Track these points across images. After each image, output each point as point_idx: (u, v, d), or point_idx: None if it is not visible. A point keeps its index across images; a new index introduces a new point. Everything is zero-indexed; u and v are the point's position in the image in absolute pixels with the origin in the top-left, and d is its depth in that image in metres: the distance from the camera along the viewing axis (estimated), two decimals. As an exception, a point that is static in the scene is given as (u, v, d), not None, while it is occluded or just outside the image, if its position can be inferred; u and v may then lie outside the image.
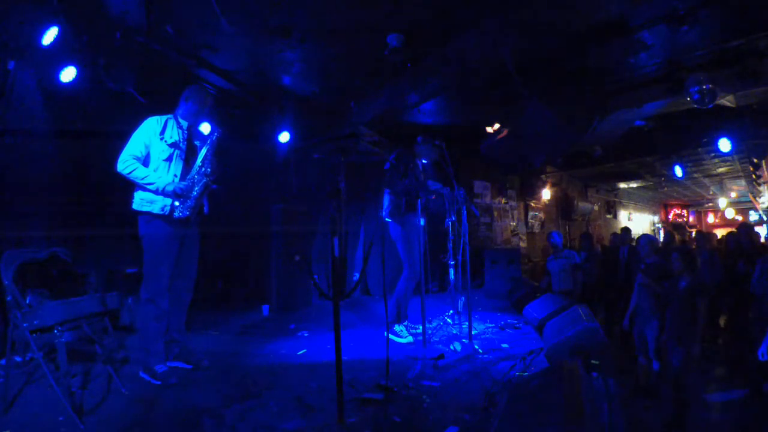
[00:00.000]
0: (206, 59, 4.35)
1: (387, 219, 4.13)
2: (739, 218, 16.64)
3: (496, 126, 5.90)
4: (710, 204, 18.64)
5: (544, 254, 8.93)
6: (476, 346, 3.74)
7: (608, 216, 14.60)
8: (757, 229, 10.47)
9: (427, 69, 4.66)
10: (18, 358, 2.85)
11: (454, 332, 4.16)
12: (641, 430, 3.22)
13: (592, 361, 2.91)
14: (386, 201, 4.16)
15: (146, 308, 3.02)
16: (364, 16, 3.76)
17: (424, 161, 4.34)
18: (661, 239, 12.31)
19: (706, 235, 6.86)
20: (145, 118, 3.10)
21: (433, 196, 4.21)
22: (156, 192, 2.97)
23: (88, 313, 2.78)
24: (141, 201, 3.00)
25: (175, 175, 3.06)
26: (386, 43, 4.00)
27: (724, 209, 17.23)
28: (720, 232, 12.45)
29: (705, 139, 6.93)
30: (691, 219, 20.27)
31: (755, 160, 8.99)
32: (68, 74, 3.58)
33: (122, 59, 3.67)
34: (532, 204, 10.48)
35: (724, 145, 6.23)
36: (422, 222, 3.98)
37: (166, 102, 3.32)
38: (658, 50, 4.39)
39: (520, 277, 6.73)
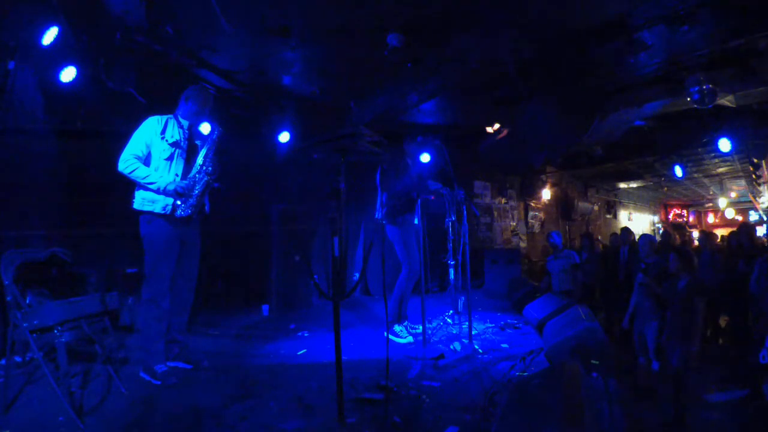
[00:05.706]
0: (206, 59, 4.34)
1: (382, 221, 4.14)
2: (739, 218, 16.63)
3: (496, 126, 5.91)
4: (710, 204, 18.64)
5: (544, 254, 8.93)
6: (476, 346, 3.74)
7: (608, 216, 14.59)
8: (757, 228, 10.47)
9: (427, 69, 4.66)
10: (18, 358, 2.86)
11: (454, 332, 4.16)
12: (641, 430, 3.21)
13: (592, 361, 2.91)
14: (380, 203, 4.16)
15: (147, 308, 3.02)
16: (364, 16, 3.76)
17: (420, 161, 4.34)
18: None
19: (708, 235, 6.86)
20: (145, 118, 3.10)
21: (433, 197, 4.21)
22: (157, 191, 2.97)
23: (88, 313, 2.78)
24: (142, 200, 3.00)
25: (177, 175, 3.06)
26: (386, 43, 3.99)
27: (724, 209, 17.21)
28: (720, 232, 12.44)
29: (705, 139, 6.91)
30: (691, 219, 20.28)
31: (755, 160, 8.99)
32: (68, 74, 3.57)
33: (122, 59, 3.66)
34: (532, 204, 10.48)
35: (724, 145, 6.22)
36: (417, 221, 3.98)
37: (166, 102, 3.32)
38: (658, 50, 4.38)
39: (520, 277, 6.74)
